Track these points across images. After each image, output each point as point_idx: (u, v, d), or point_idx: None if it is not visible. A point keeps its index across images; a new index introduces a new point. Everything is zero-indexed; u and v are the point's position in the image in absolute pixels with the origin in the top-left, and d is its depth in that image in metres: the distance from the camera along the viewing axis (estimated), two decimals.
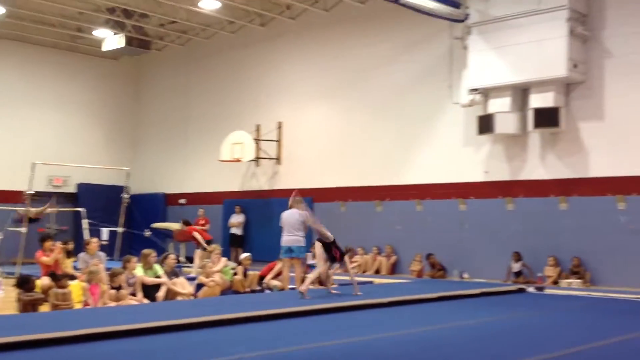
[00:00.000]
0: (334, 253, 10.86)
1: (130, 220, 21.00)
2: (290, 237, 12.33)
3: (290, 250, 12.37)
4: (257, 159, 20.74)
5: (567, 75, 14.47)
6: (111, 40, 21.16)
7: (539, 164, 15.57)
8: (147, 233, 19.61)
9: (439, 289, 11.89)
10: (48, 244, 12.16)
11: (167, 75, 24.26)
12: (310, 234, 12.65)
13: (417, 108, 17.60)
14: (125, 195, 19.72)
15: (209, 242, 16.59)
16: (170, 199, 23.61)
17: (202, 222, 19.45)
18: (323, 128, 19.67)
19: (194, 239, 16.29)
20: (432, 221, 17.09)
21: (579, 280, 14.30)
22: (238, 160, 19.92)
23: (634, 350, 6.84)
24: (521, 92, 15.57)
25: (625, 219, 14.32)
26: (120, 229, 19.27)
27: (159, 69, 24.60)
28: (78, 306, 10.28)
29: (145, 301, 10.53)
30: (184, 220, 17.72)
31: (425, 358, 6.27)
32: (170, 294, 11.19)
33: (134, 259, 11.02)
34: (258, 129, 20.88)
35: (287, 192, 19.44)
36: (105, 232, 19.24)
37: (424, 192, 17.29)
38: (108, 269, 11.15)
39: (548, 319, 9.37)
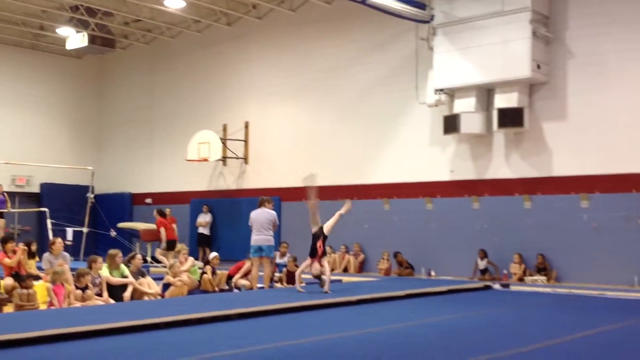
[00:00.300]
0: (318, 247, 10.84)
1: (96, 220, 20.78)
2: (260, 237, 12.35)
3: (260, 249, 12.39)
4: (224, 159, 20.67)
5: (531, 76, 14.69)
6: (75, 38, 20.86)
7: (504, 163, 15.79)
8: (113, 233, 19.39)
9: (407, 286, 11.99)
10: (10, 245, 11.92)
11: (132, 74, 24.03)
12: (278, 233, 12.71)
13: (383, 108, 17.71)
14: (90, 195, 19.48)
15: (172, 243, 16.50)
16: (136, 199, 23.39)
17: (169, 221, 19.27)
18: (290, 128, 19.68)
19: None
20: (399, 220, 17.22)
21: (543, 277, 14.54)
22: (205, 160, 19.83)
23: (599, 345, 6.97)
24: (486, 93, 15.77)
25: (588, 217, 14.60)
26: (85, 229, 19.02)
27: (124, 67, 24.35)
28: (43, 307, 10.14)
29: (112, 301, 10.43)
30: (158, 210, 17.56)
31: (393, 355, 6.31)
32: (137, 294, 11.09)
33: (100, 259, 10.90)
34: (225, 128, 20.80)
35: (255, 192, 19.51)
36: (69, 232, 18.99)
37: (391, 191, 17.41)
38: (73, 270, 11.01)
39: (514, 315, 9.50)
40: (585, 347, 6.86)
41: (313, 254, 10.98)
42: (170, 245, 16.57)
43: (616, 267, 14.05)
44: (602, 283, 13.75)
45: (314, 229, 11.14)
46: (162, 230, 16.60)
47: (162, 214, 17.30)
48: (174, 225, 19.34)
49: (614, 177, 14.30)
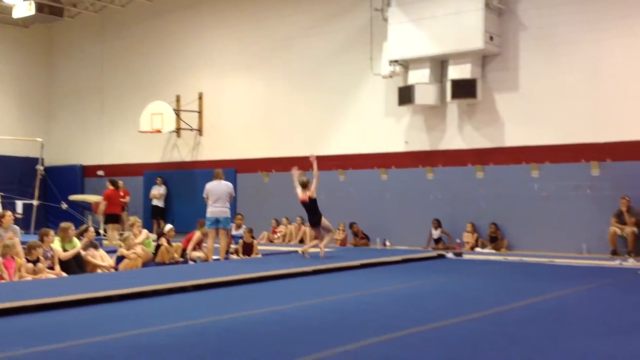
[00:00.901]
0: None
1: (46, 192, 20.39)
2: (218, 209, 12.34)
3: (217, 221, 12.36)
4: (177, 130, 20.43)
5: (483, 47, 14.83)
6: (21, 6, 20.14)
7: (457, 134, 15.97)
8: (64, 206, 19.07)
9: (362, 256, 12.11)
10: None
11: (82, 44, 23.43)
12: (234, 205, 12.69)
13: (339, 79, 17.69)
14: (39, 167, 19.07)
15: (114, 217, 16.30)
16: (87, 171, 22.99)
17: (122, 194, 19.03)
18: (245, 98, 19.52)
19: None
20: (355, 191, 17.32)
21: (495, 246, 14.83)
22: (158, 131, 19.55)
23: (548, 311, 7.16)
24: (440, 64, 15.87)
25: (538, 186, 14.90)
26: (35, 202, 18.65)
27: (73, 37, 23.72)
28: None
29: (64, 274, 10.27)
30: (110, 180, 17.27)
31: (349, 324, 6.39)
32: (90, 267, 10.96)
33: (52, 232, 10.70)
34: (178, 99, 20.52)
35: (210, 164, 19.38)
36: (19, 205, 18.59)
37: (346, 162, 17.48)
38: (23, 243, 10.79)
39: (466, 283, 9.69)
40: (534, 312, 7.04)
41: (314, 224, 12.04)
42: (111, 219, 16.36)
43: (565, 235, 14.41)
44: (552, 251, 14.10)
45: (304, 197, 11.85)
46: (102, 203, 16.39)
47: (114, 184, 17.02)
48: (127, 198, 19.15)
49: (564, 148, 14.60)
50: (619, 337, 5.73)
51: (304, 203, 12.16)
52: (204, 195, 12.45)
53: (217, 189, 12.42)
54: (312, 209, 12.13)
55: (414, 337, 5.74)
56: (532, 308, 7.30)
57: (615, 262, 11.96)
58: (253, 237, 13.52)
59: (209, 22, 20.32)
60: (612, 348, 5.30)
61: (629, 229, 13.49)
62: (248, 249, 13.22)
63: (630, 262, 11.92)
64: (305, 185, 12.11)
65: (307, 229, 17.58)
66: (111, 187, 16.79)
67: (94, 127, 22.91)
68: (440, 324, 6.27)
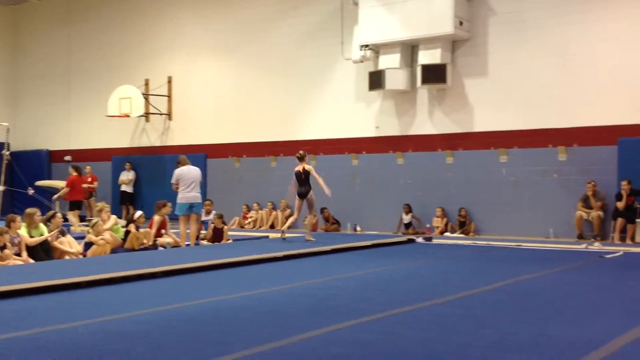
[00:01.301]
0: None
1: (12, 178, 20.05)
2: (192, 194, 12.34)
3: (191, 207, 12.33)
4: (146, 115, 20.21)
5: (453, 32, 14.88)
6: None
7: (427, 120, 16.04)
8: (31, 191, 18.79)
9: (333, 242, 12.14)
10: None
11: (48, 26, 23.00)
12: (204, 191, 12.67)
13: (310, 63, 17.63)
14: (5, 152, 18.73)
15: (77, 203, 16.13)
16: (55, 156, 22.66)
17: (89, 179, 18.81)
18: (215, 83, 19.36)
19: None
20: (325, 176, 17.09)
21: (464, 230, 14.97)
22: (126, 116, 19.33)
23: (516, 294, 7.26)
24: (410, 49, 15.90)
25: (507, 171, 15.06)
26: (1, 187, 18.32)
27: (39, 19, 23.27)
28: None
29: (31, 261, 10.13)
30: (73, 166, 17.02)
31: (320, 308, 6.41)
32: (58, 254, 10.82)
33: (19, 218, 10.53)
34: (147, 83, 20.29)
35: (180, 149, 19.23)
36: None
37: (317, 147, 17.46)
38: None
39: (436, 267, 9.78)
40: (503, 296, 7.13)
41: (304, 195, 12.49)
42: (75, 206, 16.18)
43: (533, 219, 14.61)
44: (520, 235, 14.29)
45: (298, 169, 12.44)
46: (65, 189, 16.19)
47: (77, 170, 16.76)
48: (95, 184, 18.92)
49: (532, 133, 14.76)
50: (586, 320, 5.83)
51: (297, 174, 12.53)
52: (173, 182, 12.35)
53: (189, 174, 12.37)
54: (303, 181, 12.51)
55: (385, 321, 5.77)
56: (501, 291, 7.39)
57: (582, 246, 12.15)
58: (224, 223, 13.46)
59: (178, 6, 20.08)
60: (579, 331, 5.39)
61: (595, 213, 13.71)
62: (218, 234, 13.16)
63: (596, 246, 12.12)
64: (302, 158, 12.61)
65: (278, 214, 17.58)
66: (75, 173, 16.54)
67: (61, 111, 22.56)
68: (410, 307, 6.32)
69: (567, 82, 14.36)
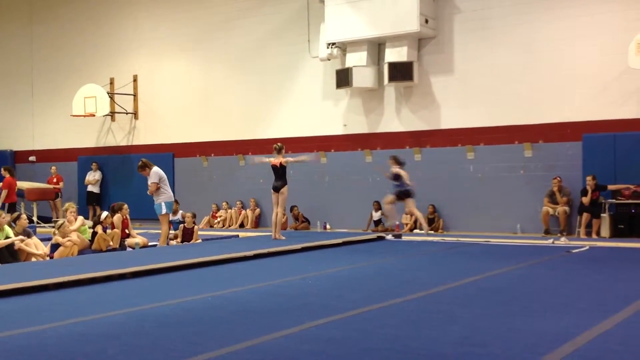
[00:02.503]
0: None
1: None
2: (171, 193, 12.22)
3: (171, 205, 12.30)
4: (112, 114, 20.00)
5: (419, 30, 14.98)
6: None
7: (395, 117, 16.13)
8: None
9: (303, 240, 12.13)
10: None
11: (9, 24, 22.58)
12: (173, 190, 12.56)
13: (277, 61, 17.60)
14: None
15: (11, 207, 15.82)
16: (19, 157, 22.29)
17: (54, 180, 18.55)
18: (182, 81, 19.22)
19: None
20: (294, 174, 17.23)
21: (433, 227, 15.08)
22: (92, 115, 19.09)
23: (485, 289, 7.34)
24: (377, 47, 15.98)
25: (474, 168, 15.21)
26: None
27: (0, 18, 22.83)
28: None
29: None
30: (6, 168, 16.68)
31: (291, 307, 6.40)
32: (24, 256, 10.65)
33: None
34: (112, 82, 20.07)
35: (146, 148, 19.06)
36: None
37: (285, 146, 17.31)
38: None
39: (405, 264, 9.84)
40: (472, 291, 7.20)
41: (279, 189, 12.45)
42: (13, 208, 15.86)
43: (500, 215, 14.79)
44: (488, 231, 14.45)
45: (275, 162, 12.40)
46: (3, 192, 15.84)
47: (10, 172, 16.43)
48: (61, 184, 18.68)
49: (498, 129, 14.93)
50: (554, 314, 5.92)
51: (274, 167, 12.51)
52: (156, 181, 12.02)
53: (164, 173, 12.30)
54: (279, 174, 12.48)
55: (356, 319, 5.79)
56: (470, 287, 7.47)
57: (549, 241, 12.33)
58: (194, 223, 13.38)
59: (143, 3, 19.89)
60: (547, 325, 5.47)
61: (561, 209, 13.92)
62: (188, 234, 13.08)
63: (563, 241, 12.32)
64: (279, 151, 12.56)
65: (248, 213, 17.54)
66: (8, 175, 16.19)
67: (24, 111, 22.19)
68: (381, 305, 6.35)
69: (532, 78, 14.55)
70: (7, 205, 15.82)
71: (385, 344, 4.95)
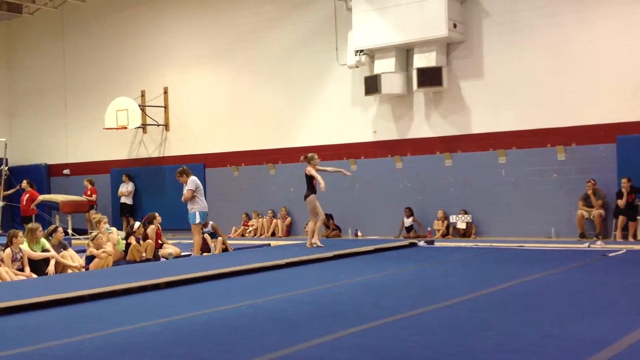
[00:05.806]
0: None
1: (12, 193, 20.03)
2: (205, 202, 12.40)
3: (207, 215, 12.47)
4: (144, 126, 20.21)
5: (447, 35, 14.89)
6: None
7: (424, 123, 16.04)
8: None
9: (335, 248, 12.11)
10: None
11: (42, 41, 22.98)
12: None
13: (305, 70, 17.65)
14: (4, 167, 18.73)
15: (27, 219, 16.08)
16: (53, 170, 22.65)
17: (89, 192, 18.81)
18: (211, 92, 19.38)
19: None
20: (325, 182, 17.25)
21: (465, 232, 14.95)
22: (124, 128, 19.33)
23: (520, 295, 7.25)
24: (405, 53, 15.92)
25: (506, 172, 15.06)
26: (0, 203, 18.31)
27: (33, 33, 23.26)
28: None
29: (34, 276, 10.12)
30: (27, 181, 17.12)
31: (324, 315, 6.39)
32: (60, 268, 10.80)
33: (21, 233, 10.52)
34: (143, 94, 20.30)
35: (178, 159, 19.23)
36: None
37: (316, 154, 17.39)
38: None
39: (439, 270, 9.77)
40: (507, 297, 7.12)
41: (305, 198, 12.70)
42: (25, 221, 16.11)
43: (534, 220, 14.60)
44: (522, 236, 14.28)
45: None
46: (34, 203, 16.31)
47: (32, 185, 16.87)
48: (94, 197, 18.94)
49: (530, 133, 14.77)
50: (591, 319, 5.83)
51: (305, 175, 12.68)
52: (193, 188, 12.16)
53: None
54: (307, 184, 12.69)
55: (390, 326, 5.76)
56: (504, 293, 7.38)
57: (584, 245, 12.14)
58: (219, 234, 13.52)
59: (172, 15, 20.10)
60: (585, 330, 5.38)
61: (596, 212, 13.71)
62: (207, 244, 13.07)
63: (599, 245, 12.12)
64: (308, 161, 12.73)
65: (278, 222, 17.59)
66: (30, 189, 16.64)
67: (58, 125, 22.55)
68: (414, 312, 6.31)
69: (564, 81, 14.38)
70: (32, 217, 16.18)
71: (419, 351, 4.92)
